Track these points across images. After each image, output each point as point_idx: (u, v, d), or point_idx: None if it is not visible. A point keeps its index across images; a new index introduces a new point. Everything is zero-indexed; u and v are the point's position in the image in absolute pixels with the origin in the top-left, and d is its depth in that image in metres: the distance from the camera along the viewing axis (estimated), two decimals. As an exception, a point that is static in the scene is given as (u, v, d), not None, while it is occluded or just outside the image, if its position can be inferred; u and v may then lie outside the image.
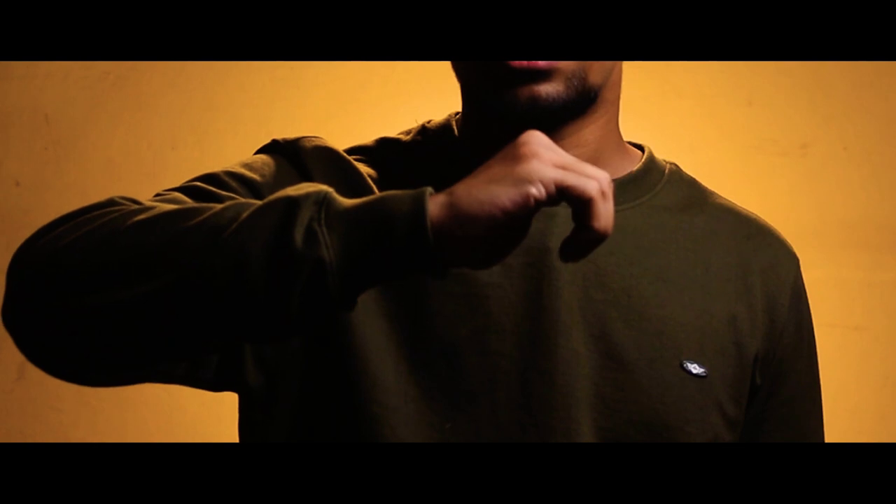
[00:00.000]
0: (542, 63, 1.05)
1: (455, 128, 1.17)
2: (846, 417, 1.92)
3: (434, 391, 1.08)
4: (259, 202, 0.92)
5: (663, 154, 1.23)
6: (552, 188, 0.90)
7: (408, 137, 1.18)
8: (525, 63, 1.05)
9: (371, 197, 0.91)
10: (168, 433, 2.02)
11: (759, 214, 1.23)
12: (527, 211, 0.90)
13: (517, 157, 0.91)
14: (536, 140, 0.92)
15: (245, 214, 0.91)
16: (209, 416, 1.92)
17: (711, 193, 1.21)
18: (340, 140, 1.17)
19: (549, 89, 1.06)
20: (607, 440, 1.09)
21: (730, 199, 1.23)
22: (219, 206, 0.93)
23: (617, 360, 1.10)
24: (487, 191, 0.89)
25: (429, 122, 1.20)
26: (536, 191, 0.89)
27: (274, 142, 1.15)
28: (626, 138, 1.22)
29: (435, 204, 0.90)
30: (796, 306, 1.20)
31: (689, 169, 1.24)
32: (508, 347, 1.09)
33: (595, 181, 0.90)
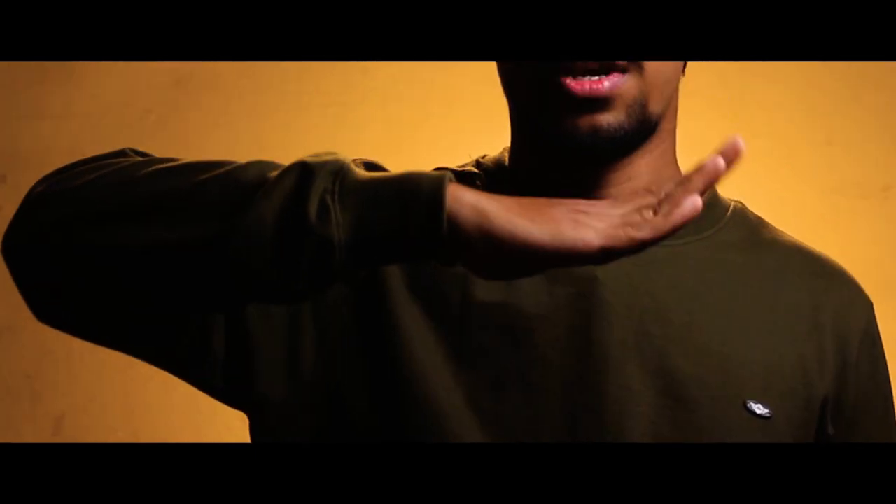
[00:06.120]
0: (602, 90, 1.04)
1: (507, 159, 1.17)
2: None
3: (475, 430, 1.06)
4: (280, 165, 0.94)
5: (738, 196, 1.21)
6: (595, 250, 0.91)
7: (461, 169, 1.18)
8: (587, 89, 1.04)
9: (388, 174, 0.92)
10: (168, 433, 2.01)
11: (838, 260, 1.20)
12: (555, 263, 0.91)
13: (570, 210, 0.92)
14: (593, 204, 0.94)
15: (268, 174, 0.92)
16: (210, 416, 1.93)
17: (779, 231, 1.19)
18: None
19: (609, 119, 1.05)
20: None
21: (808, 243, 1.20)
22: (239, 164, 0.95)
23: (676, 397, 1.07)
24: (523, 223, 0.90)
25: (483, 156, 1.19)
26: (580, 249, 0.90)
27: None
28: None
29: (460, 200, 0.90)
30: (869, 350, 1.17)
31: (765, 211, 1.21)
32: (554, 384, 1.07)
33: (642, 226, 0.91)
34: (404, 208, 0.89)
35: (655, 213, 0.92)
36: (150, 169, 0.96)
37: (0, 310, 2.02)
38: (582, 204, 0.92)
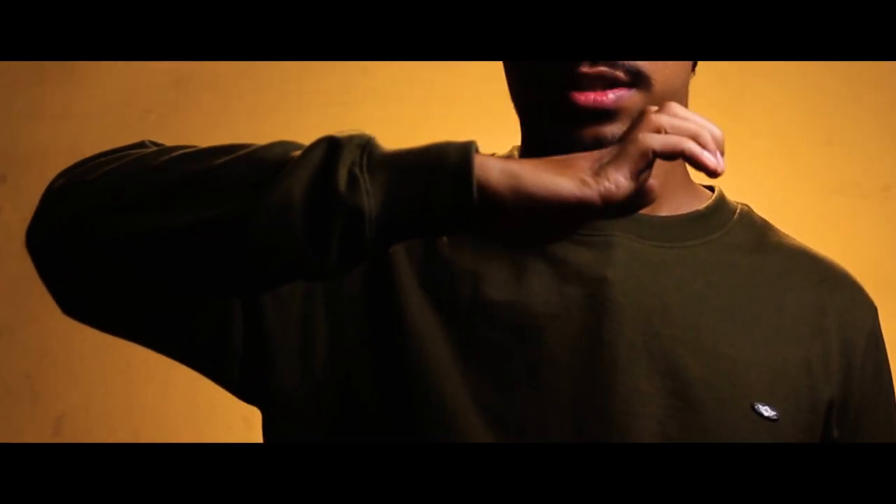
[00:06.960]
0: (607, 102, 1.05)
1: (516, 157, 1.15)
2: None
3: (483, 428, 1.06)
4: (303, 145, 0.93)
5: (738, 196, 1.20)
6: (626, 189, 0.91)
7: None
8: (592, 101, 1.04)
9: (415, 147, 0.92)
10: (168, 433, 2.01)
11: (838, 260, 1.20)
12: (586, 212, 0.91)
13: (591, 158, 0.93)
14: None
15: (291, 153, 0.92)
16: (210, 416, 1.93)
17: (785, 235, 1.19)
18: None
19: (614, 130, 1.05)
20: None
21: (808, 243, 1.20)
22: (262, 145, 0.94)
23: (684, 399, 1.07)
24: (552, 178, 0.91)
25: (493, 154, 1.15)
26: (605, 191, 0.91)
27: None
28: (699, 180, 1.18)
29: (487, 167, 0.90)
30: (874, 354, 1.16)
31: (766, 211, 1.21)
32: (562, 383, 1.06)
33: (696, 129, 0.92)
34: (433, 178, 0.89)
35: (666, 132, 0.92)
36: (167, 157, 0.95)
37: (0, 310, 2.02)
38: (595, 153, 0.93)
